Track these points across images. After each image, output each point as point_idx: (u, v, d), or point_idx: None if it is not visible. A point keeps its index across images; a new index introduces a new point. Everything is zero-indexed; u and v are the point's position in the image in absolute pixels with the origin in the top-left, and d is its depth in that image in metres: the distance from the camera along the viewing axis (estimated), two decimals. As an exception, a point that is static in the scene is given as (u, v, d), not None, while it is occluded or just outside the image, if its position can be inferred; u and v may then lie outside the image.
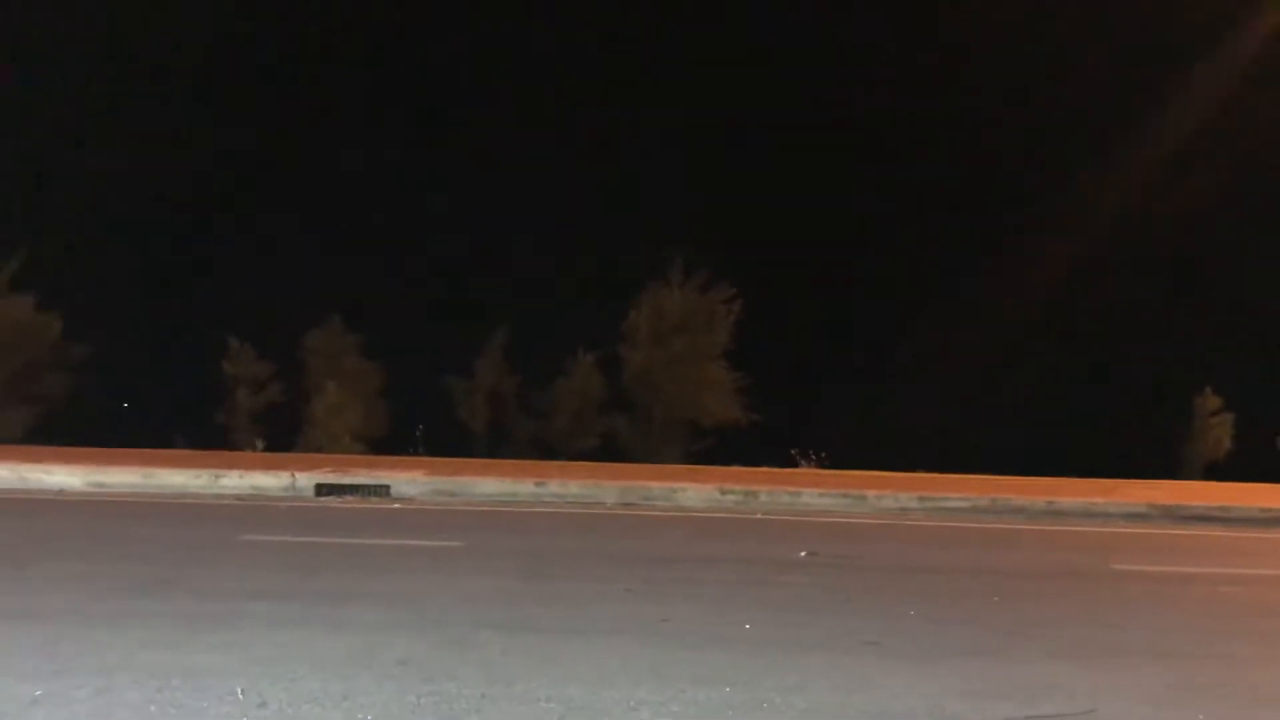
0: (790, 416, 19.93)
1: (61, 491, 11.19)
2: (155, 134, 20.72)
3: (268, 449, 18.19)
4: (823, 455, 18.73)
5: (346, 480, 11.93)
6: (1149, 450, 19.66)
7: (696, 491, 12.61)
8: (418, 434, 18.73)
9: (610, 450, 19.76)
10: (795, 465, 18.40)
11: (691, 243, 20.19)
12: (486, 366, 20.81)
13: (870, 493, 12.86)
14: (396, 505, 11.26)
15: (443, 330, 20.76)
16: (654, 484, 12.80)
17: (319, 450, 17.75)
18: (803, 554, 8.11)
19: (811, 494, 12.74)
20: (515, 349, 20.67)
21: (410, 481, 12.22)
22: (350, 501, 11.30)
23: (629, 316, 20.46)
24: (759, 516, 11.50)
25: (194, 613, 5.17)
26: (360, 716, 3.63)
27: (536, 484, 12.59)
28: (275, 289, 20.00)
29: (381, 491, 11.86)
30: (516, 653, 4.53)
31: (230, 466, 12.45)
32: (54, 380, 19.02)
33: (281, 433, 19.11)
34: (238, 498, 11.28)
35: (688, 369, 20.15)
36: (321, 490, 11.66)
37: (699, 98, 22.24)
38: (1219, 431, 21.12)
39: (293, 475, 11.94)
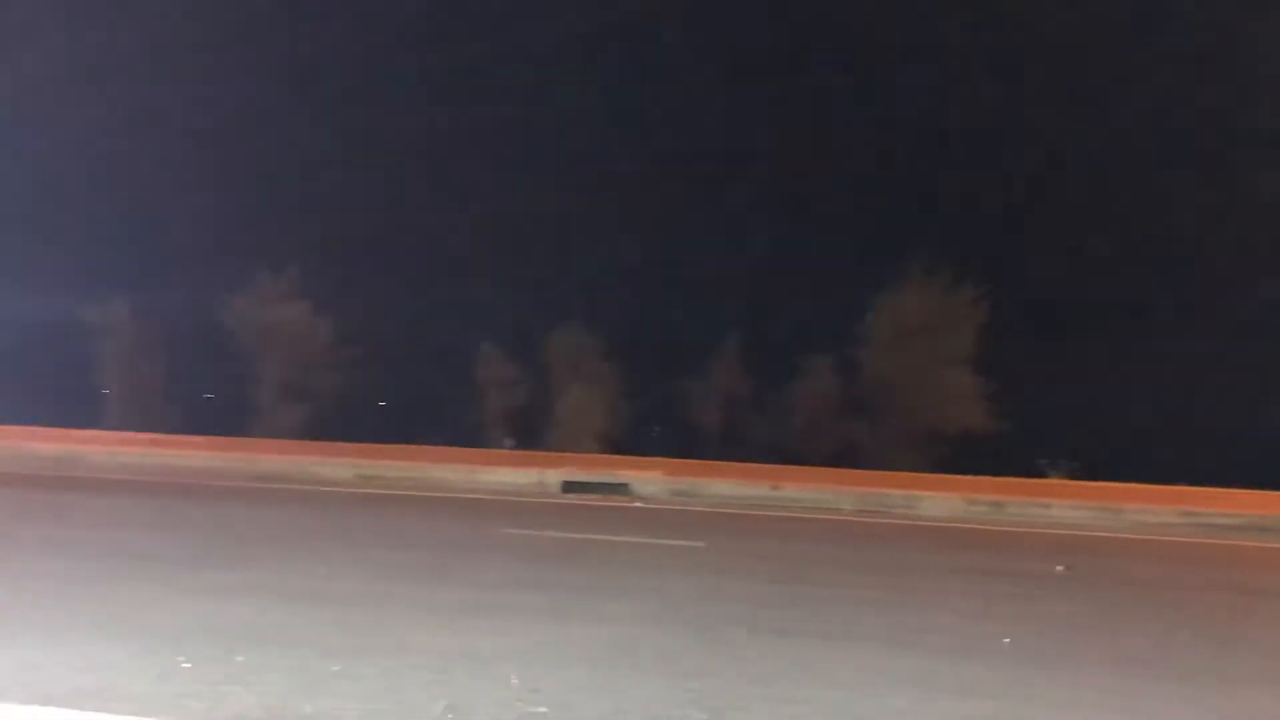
0: (1037, 424, 19.10)
1: (334, 482, 12.10)
2: (406, 152, 22.09)
3: (515, 447, 19.02)
4: (1073, 465, 17.87)
5: (591, 479, 12.34)
6: None
7: (939, 501, 12.31)
8: (653, 435, 19.14)
9: (846, 455, 19.51)
10: (1042, 474, 17.63)
11: (935, 242, 19.67)
12: (722, 369, 20.96)
13: (1127, 506, 12.18)
14: (637, 504, 11.54)
15: (678, 332, 21.09)
16: (894, 491, 12.58)
17: (563, 449, 18.40)
18: (1059, 568, 7.78)
19: (1063, 506, 12.19)
20: (751, 351, 20.74)
21: (650, 481, 12.50)
22: (594, 499, 11.66)
23: (867, 318, 20.10)
24: (1008, 529, 11.10)
25: (468, 600, 5.49)
26: (627, 706, 3.76)
27: (773, 487, 12.62)
28: (521, 294, 20.97)
29: (623, 490, 12.18)
30: (771, 653, 4.58)
31: (484, 463, 13.11)
32: (326, 380, 20.59)
33: (528, 432, 19.99)
34: (491, 492, 11.86)
35: (929, 373, 19.60)
36: (568, 488, 12.09)
37: (947, 98, 21.72)
38: None
39: (541, 473, 12.46)
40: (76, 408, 21.24)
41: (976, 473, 16.31)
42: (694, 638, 4.83)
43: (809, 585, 6.54)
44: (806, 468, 16.55)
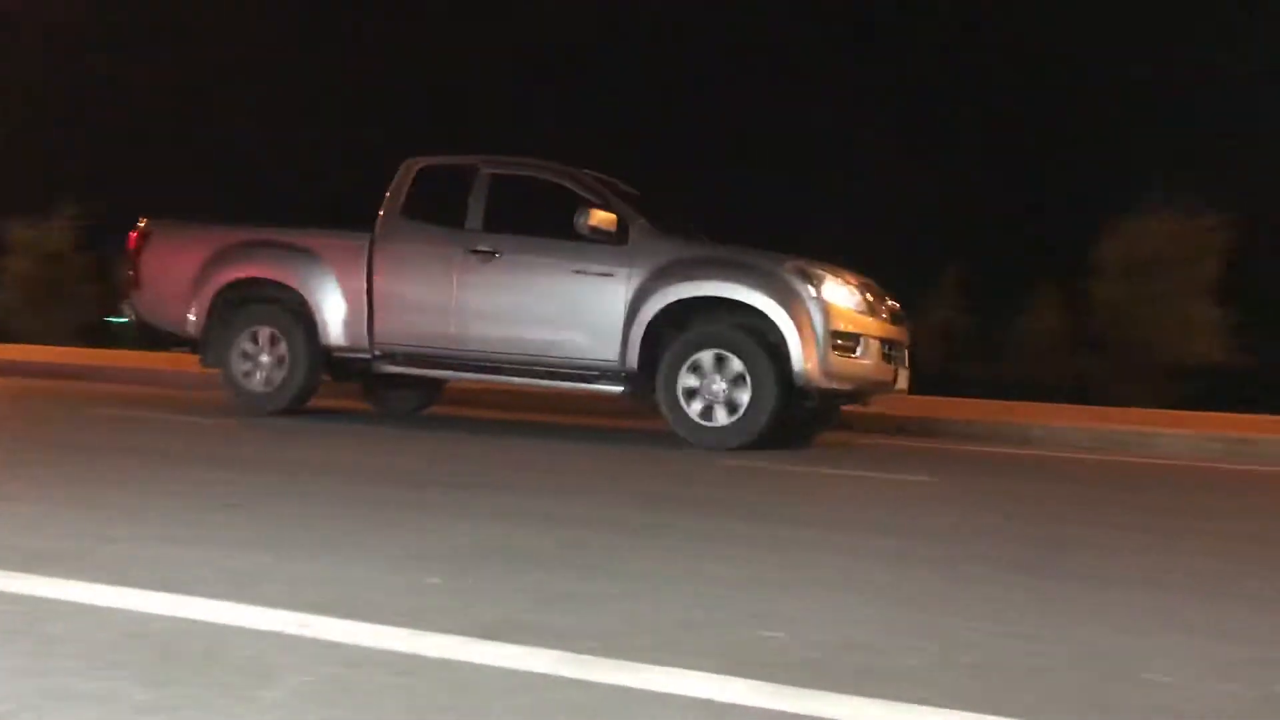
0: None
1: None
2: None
3: None
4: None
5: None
6: None
7: (1179, 438, 11.73)
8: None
9: (1076, 392, 18.64)
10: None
11: (1172, 165, 18.32)
12: (936, 302, 20.39)
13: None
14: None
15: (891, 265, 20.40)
16: (1129, 428, 12.07)
17: None
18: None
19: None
20: (971, 284, 19.99)
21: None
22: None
23: (1098, 247, 19.05)
24: (1255, 468, 10.47)
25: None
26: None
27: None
28: None
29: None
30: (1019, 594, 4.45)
31: None
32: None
33: None
34: None
35: (1167, 305, 18.41)
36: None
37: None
38: None
39: None
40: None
41: (1222, 410, 15.34)
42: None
43: (1048, 525, 6.38)
44: (1040, 405, 15.73)
